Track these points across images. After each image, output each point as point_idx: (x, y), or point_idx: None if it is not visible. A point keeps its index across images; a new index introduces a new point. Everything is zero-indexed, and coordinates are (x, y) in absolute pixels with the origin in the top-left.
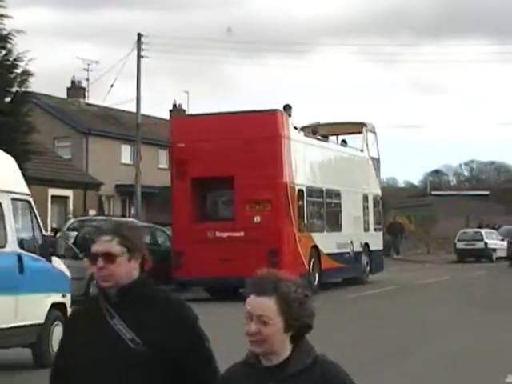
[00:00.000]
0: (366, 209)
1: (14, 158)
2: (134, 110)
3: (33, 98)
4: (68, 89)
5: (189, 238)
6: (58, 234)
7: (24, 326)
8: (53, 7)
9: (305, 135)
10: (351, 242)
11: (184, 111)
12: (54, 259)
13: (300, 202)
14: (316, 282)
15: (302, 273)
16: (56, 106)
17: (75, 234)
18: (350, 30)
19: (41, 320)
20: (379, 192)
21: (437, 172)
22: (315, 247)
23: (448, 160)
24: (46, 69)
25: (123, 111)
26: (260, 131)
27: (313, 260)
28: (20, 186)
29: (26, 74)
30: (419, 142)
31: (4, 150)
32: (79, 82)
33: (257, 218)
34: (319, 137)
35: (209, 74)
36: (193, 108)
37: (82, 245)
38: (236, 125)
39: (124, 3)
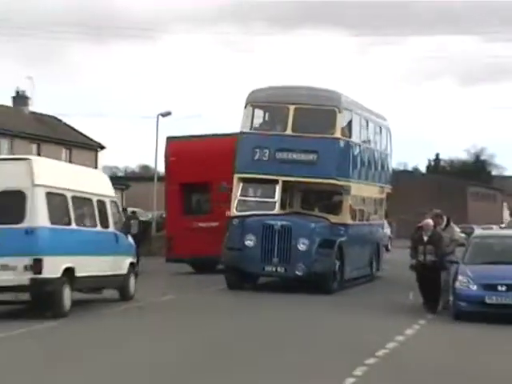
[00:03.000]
0: None
1: None
2: None
3: None
4: None
5: (178, 227)
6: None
7: (117, 275)
8: None
9: None
10: None
11: (27, 98)
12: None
13: None
14: None
15: None
16: None
17: None
18: (206, 19)
19: (125, 271)
20: None
21: None
22: None
23: None
24: None
25: None
26: (231, 148)
27: None
28: (112, 192)
29: None
30: None
31: None
32: None
33: (228, 212)
34: None
35: (55, 59)
36: (37, 95)
37: None
38: (214, 144)
39: None
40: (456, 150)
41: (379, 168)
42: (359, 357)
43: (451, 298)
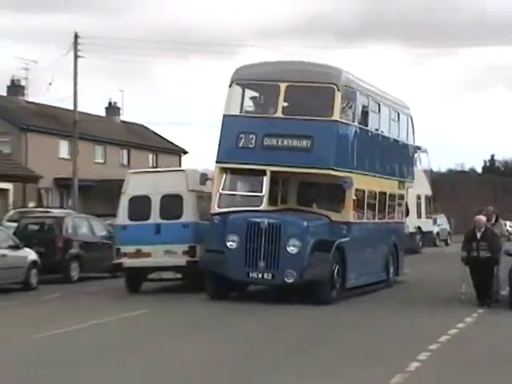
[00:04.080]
0: None
1: None
2: (72, 108)
3: None
4: (8, 87)
5: None
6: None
7: None
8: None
9: None
10: None
11: (118, 108)
12: None
13: None
14: None
15: None
16: None
17: (15, 224)
18: (277, 34)
19: None
20: None
21: None
22: None
23: None
24: None
25: (61, 108)
26: None
27: None
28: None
29: None
30: None
31: None
32: (18, 80)
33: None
34: None
35: (142, 73)
36: (127, 105)
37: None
38: None
39: (61, 7)
40: (510, 152)
41: (397, 159)
42: (423, 343)
43: (506, 290)
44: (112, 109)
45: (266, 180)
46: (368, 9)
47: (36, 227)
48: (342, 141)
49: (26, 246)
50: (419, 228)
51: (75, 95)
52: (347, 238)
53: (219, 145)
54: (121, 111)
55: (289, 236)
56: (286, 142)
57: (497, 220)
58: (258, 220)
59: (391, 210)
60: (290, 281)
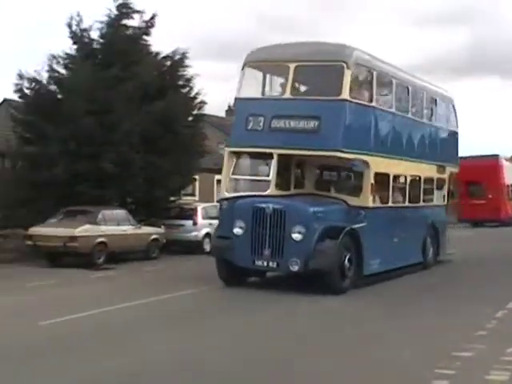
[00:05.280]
0: None
1: (193, 156)
2: None
3: (205, 117)
4: (226, 111)
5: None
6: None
7: None
8: (217, 60)
9: None
10: None
11: None
12: None
13: None
14: None
15: None
16: (219, 122)
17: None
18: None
19: None
20: None
21: None
22: None
23: None
24: (213, 99)
25: None
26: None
27: None
28: None
29: (202, 102)
30: None
31: (187, 151)
32: (233, 106)
33: None
34: None
35: None
36: None
37: None
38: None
39: None
40: None
41: (434, 143)
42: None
43: None
44: None
45: (273, 163)
46: (473, 51)
47: None
48: (353, 121)
49: None
50: None
51: None
52: (363, 224)
53: (232, 129)
54: None
55: (294, 222)
56: (293, 124)
57: None
58: (263, 205)
59: (428, 194)
60: (295, 269)
